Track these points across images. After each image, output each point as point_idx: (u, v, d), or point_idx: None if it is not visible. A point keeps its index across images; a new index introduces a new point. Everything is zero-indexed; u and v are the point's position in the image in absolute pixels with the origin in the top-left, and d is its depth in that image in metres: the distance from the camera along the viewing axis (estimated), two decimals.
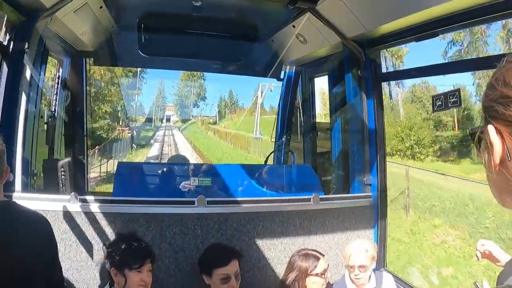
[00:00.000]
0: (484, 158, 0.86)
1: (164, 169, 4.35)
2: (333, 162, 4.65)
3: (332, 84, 4.67)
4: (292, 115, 5.50)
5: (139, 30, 4.60)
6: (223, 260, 3.05)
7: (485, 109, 0.83)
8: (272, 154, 5.55)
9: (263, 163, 4.95)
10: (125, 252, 2.83)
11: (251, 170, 4.36)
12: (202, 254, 3.20)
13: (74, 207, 3.13)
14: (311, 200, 3.60)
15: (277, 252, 3.57)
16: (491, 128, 0.80)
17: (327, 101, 4.83)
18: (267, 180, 4.21)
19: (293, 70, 5.45)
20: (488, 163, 0.84)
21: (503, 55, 0.85)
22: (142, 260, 2.84)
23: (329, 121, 4.80)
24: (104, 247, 2.99)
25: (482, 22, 2.85)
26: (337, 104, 4.51)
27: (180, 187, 3.93)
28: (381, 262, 3.86)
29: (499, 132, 0.79)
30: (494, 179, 0.85)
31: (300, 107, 5.44)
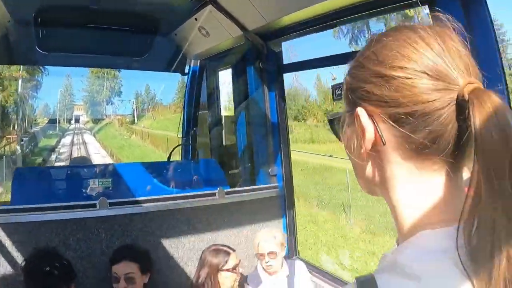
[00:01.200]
0: (352, 144, 0.82)
1: (65, 172, 4.13)
2: (239, 155, 4.65)
3: (236, 77, 4.65)
4: (198, 110, 5.43)
5: (36, 25, 4.31)
6: (114, 258, 3.02)
7: (352, 91, 0.79)
8: (181, 151, 5.48)
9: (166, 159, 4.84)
10: (49, 275, 2.66)
11: (154, 167, 4.27)
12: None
13: None
14: (216, 194, 3.55)
15: (185, 250, 3.49)
16: (361, 111, 0.76)
17: (231, 94, 4.81)
18: (171, 177, 4.14)
19: (198, 64, 5.36)
20: (356, 150, 0.81)
21: None
22: (69, 283, 2.74)
23: (234, 114, 4.79)
24: (22, 267, 2.78)
25: (383, 12, 2.90)
26: (241, 97, 4.50)
27: (81, 190, 3.76)
28: (293, 251, 3.91)
29: (370, 115, 0.76)
30: (361, 167, 0.83)
31: (206, 101, 5.38)
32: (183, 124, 5.46)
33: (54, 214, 3.06)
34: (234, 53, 4.57)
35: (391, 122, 0.73)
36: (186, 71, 5.40)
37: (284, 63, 4.01)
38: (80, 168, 4.28)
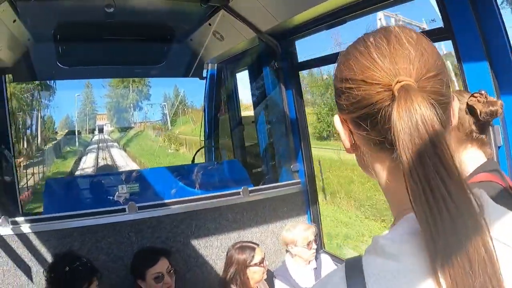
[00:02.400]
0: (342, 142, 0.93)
1: (93, 181, 4.27)
2: (261, 154, 4.72)
3: (252, 78, 4.72)
4: (218, 112, 5.53)
5: (55, 41, 4.46)
6: (151, 260, 3.07)
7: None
8: (204, 153, 5.59)
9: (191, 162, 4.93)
10: (70, 274, 2.75)
11: (179, 171, 4.37)
12: (132, 260, 3.20)
13: (6, 230, 3.02)
14: (241, 193, 3.66)
15: (214, 248, 3.61)
16: (336, 118, 0.88)
17: (250, 95, 4.89)
18: (196, 179, 4.22)
19: (215, 68, 5.46)
20: (345, 146, 0.92)
21: None
22: (90, 278, 2.80)
23: (253, 114, 4.86)
24: (44, 272, 2.90)
25: (393, 4, 2.93)
26: (259, 97, 4.57)
27: (110, 196, 3.88)
28: (318, 245, 3.94)
29: (343, 120, 0.87)
30: (356, 158, 0.93)
31: (225, 103, 5.48)
32: (204, 127, 5.57)
33: (85, 220, 3.21)
34: (249, 54, 4.66)
35: (354, 125, 0.84)
36: (204, 75, 5.49)
37: (299, 61, 4.06)
38: (107, 176, 4.42)
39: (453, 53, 2.52)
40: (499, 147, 2.39)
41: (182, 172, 4.31)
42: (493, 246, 0.68)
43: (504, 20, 2.39)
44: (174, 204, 3.49)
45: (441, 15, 2.55)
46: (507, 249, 0.73)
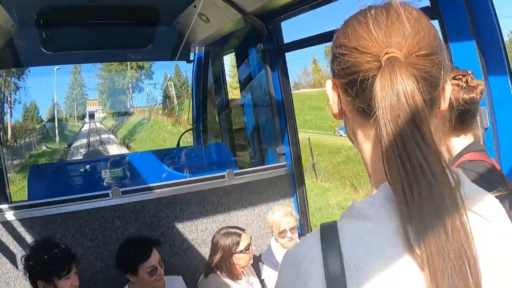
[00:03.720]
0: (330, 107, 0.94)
1: (77, 166, 4.24)
2: (248, 137, 4.68)
3: (239, 60, 4.66)
4: (206, 95, 5.48)
5: (39, 27, 4.39)
6: (144, 254, 2.98)
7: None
8: (193, 136, 5.56)
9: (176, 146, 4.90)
10: (49, 261, 2.71)
11: (164, 154, 4.34)
12: (119, 253, 3.10)
13: None
14: (226, 176, 3.63)
15: (199, 232, 3.59)
16: (328, 82, 0.89)
17: (237, 77, 4.84)
18: (181, 162, 4.21)
19: (202, 50, 5.40)
20: (333, 111, 0.93)
21: None
22: (69, 264, 2.75)
23: (240, 97, 4.82)
24: (22, 260, 2.86)
25: None
26: (246, 80, 4.52)
27: (94, 182, 3.86)
28: (305, 227, 3.96)
29: (334, 85, 0.88)
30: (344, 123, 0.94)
31: (213, 86, 5.43)
32: (192, 110, 5.52)
33: (69, 206, 3.17)
34: (235, 36, 4.61)
35: (342, 90, 0.85)
36: (191, 58, 5.43)
37: (285, 42, 4.01)
38: (92, 161, 4.38)
39: None
40: (486, 129, 2.39)
41: (167, 156, 4.28)
42: (468, 217, 0.70)
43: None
44: (158, 188, 3.45)
45: None
46: (483, 222, 0.76)
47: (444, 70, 0.79)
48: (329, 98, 0.90)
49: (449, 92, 0.85)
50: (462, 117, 1.82)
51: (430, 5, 2.53)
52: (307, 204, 4.04)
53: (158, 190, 3.44)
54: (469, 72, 1.89)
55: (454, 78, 1.81)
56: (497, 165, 1.87)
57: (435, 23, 2.50)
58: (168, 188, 3.47)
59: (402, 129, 0.71)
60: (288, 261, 0.81)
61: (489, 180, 1.70)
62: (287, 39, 4.03)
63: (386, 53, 0.75)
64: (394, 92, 0.71)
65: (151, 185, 3.47)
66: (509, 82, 2.35)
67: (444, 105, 0.85)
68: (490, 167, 1.77)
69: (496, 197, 1.73)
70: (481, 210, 0.77)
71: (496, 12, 2.36)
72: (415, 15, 0.79)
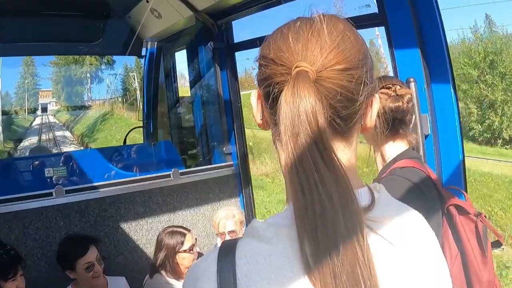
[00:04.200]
0: None
1: (20, 164, 4.12)
2: (196, 136, 4.67)
3: (190, 58, 4.64)
4: (157, 92, 5.41)
5: None
6: (80, 249, 2.94)
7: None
8: (143, 134, 5.48)
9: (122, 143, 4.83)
10: None
11: (109, 153, 4.27)
12: (58, 251, 3.06)
13: None
14: (171, 175, 3.60)
15: (143, 232, 3.55)
16: (253, 92, 0.87)
17: (187, 75, 4.81)
18: (127, 161, 4.15)
19: (154, 46, 5.32)
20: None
21: None
22: (15, 266, 2.66)
23: (190, 95, 4.80)
24: None
25: None
26: (196, 78, 4.51)
27: (38, 180, 3.76)
28: None
29: (259, 95, 0.86)
30: None
31: (164, 83, 5.36)
32: (143, 107, 5.45)
33: (11, 206, 3.07)
34: (187, 34, 4.58)
35: (263, 101, 0.84)
36: (143, 53, 5.36)
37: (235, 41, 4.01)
38: (35, 159, 4.24)
39: None
40: (426, 136, 2.43)
41: (112, 154, 4.22)
42: (373, 240, 0.70)
43: (440, 10, 2.42)
44: (102, 187, 3.40)
45: (376, 0, 2.57)
46: (388, 246, 0.74)
47: (365, 85, 0.77)
48: (253, 108, 0.88)
49: (376, 108, 0.84)
50: (392, 125, 1.84)
51: (378, 12, 2.57)
52: (254, 204, 4.05)
53: (103, 189, 3.38)
54: (399, 81, 1.93)
55: (383, 87, 1.84)
56: (431, 172, 1.90)
57: (382, 30, 2.59)
58: (113, 187, 3.41)
59: (301, 148, 0.69)
60: (190, 275, 0.81)
61: (419, 186, 1.73)
62: (238, 38, 4.04)
63: (296, 67, 0.74)
64: (295, 109, 0.70)
65: (96, 184, 3.41)
66: (452, 90, 2.41)
67: (370, 121, 0.84)
68: (422, 174, 1.80)
69: (432, 209, 1.77)
70: (389, 234, 0.75)
71: (442, 22, 2.42)
72: (339, 28, 0.77)
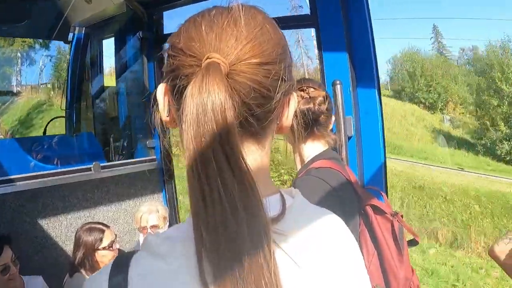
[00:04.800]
0: None
1: None
2: (120, 128, 4.54)
3: (118, 46, 4.48)
4: (82, 81, 5.20)
5: None
6: None
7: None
8: (65, 124, 5.25)
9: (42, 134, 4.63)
10: None
11: (27, 143, 4.05)
12: None
13: None
14: (92, 169, 3.46)
15: (63, 228, 3.40)
16: (160, 86, 0.79)
17: (114, 64, 4.66)
18: (46, 153, 3.96)
19: (82, 32, 5.10)
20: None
21: None
22: None
23: (115, 85, 4.66)
24: None
25: None
26: (122, 67, 4.36)
27: None
28: (173, 223, 3.90)
29: (166, 89, 0.77)
30: None
31: (90, 71, 5.16)
32: (66, 95, 5.21)
33: None
34: (116, 21, 4.41)
35: (169, 95, 0.76)
36: (70, 39, 5.13)
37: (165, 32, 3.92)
38: None
39: None
40: (349, 137, 2.48)
41: (31, 145, 4.00)
42: (279, 258, 0.64)
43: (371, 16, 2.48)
44: (19, 180, 3.19)
45: (309, 2, 2.59)
46: (293, 267, 0.69)
47: (283, 82, 0.72)
48: (158, 104, 0.80)
49: (293, 107, 0.80)
50: (305, 126, 1.87)
51: (310, 14, 2.60)
52: (177, 199, 3.99)
53: (20, 183, 3.17)
54: (316, 83, 1.95)
55: (299, 89, 1.87)
56: (350, 173, 1.95)
57: (312, 31, 2.62)
58: (30, 181, 3.21)
59: (205, 151, 0.62)
60: None
61: (334, 187, 1.76)
62: (170, 30, 3.94)
63: (207, 58, 0.67)
64: (202, 105, 0.62)
65: (12, 177, 3.19)
66: (376, 94, 2.48)
67: (287, 121, 0.80)
68: (338, 174, 1.83)
69: (347, 209, 1.81)
70: (295, 251, 0.70)
71: (372, 28, 2.48)
72: (258, 20, 0.72)
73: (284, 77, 0.73)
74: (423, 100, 39.85)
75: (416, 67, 41.59)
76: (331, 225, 0.81)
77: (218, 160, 0.62)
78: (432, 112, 39.40)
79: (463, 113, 38.33)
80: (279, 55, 0.72)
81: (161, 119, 0.82)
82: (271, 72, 0.70)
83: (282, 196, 0.77)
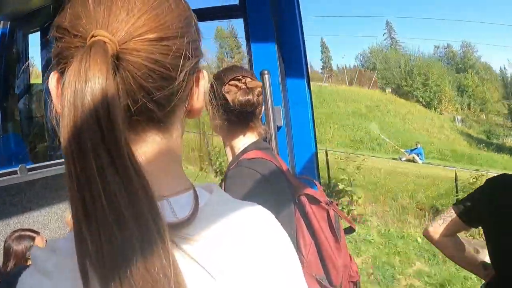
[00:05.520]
0: None
1: None
2: (48, 128, 4.33)
3: (44, 40, 4.28)
4: (7, 78, 4.92)
5: None
6: None
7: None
8: None
9: None
10: None
11: None
12: None
13: None
14: (18, 172, 3.25)
15: None
16: (52, 75, 0.66)
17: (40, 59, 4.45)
18: None
19: (7, 26, 4.82)
20: None
21: None
22: None
23: (42, 82, 4.46)
24: None
25: None
26: (49, 62, 4.16)
27: None
28: None
29: (58, 77, 0.65)
30: None
31: (15, 67, 4.90)
32: None
33: None
34: (42, 14, 4.20)
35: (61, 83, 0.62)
36: None
37: None
38: None
39: None
40: (279, 127, 2.46)
41: None
42: (190, 270, 0.56)
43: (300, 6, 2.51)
44: None
45: None
46: (209, 282, 0.59)
47: (187, 59, 0.63)
48: (51, 94, 0.67)
49: (203, 86, 0.71)
50: (241, 118, 1.83)
51: (238, 4, 2.57)
52: None
53: None
54: (249, 72, 1.91)
55: (233, 79, 1.80)
56: (282, 163, 1.94)
57: (240, 22, 2.61)
58: None
59: (84, 149, 0.51)
60: None
61: (267, 177, 1.73)
62: None
63: (92, 36, 0.56)
64: (79, 93, 0.51)
65: None
66: (306, 84, 2.51)
67: (198, 102, 0.71)
68: (270, 164, 1.81)
69: (282, 200, 1.77)
70: (208, 261, 0.59)
71: (301, 18, 2.51)
72: None
73: (188, 53, 0.64)
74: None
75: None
76: (255, 222, 0.70)
77: (99, 160, 0.51)
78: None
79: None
80: (180, 28, 0.63)
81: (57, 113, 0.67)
82: (172, 48, 0.61)
83: (195, 193, 0.67)
